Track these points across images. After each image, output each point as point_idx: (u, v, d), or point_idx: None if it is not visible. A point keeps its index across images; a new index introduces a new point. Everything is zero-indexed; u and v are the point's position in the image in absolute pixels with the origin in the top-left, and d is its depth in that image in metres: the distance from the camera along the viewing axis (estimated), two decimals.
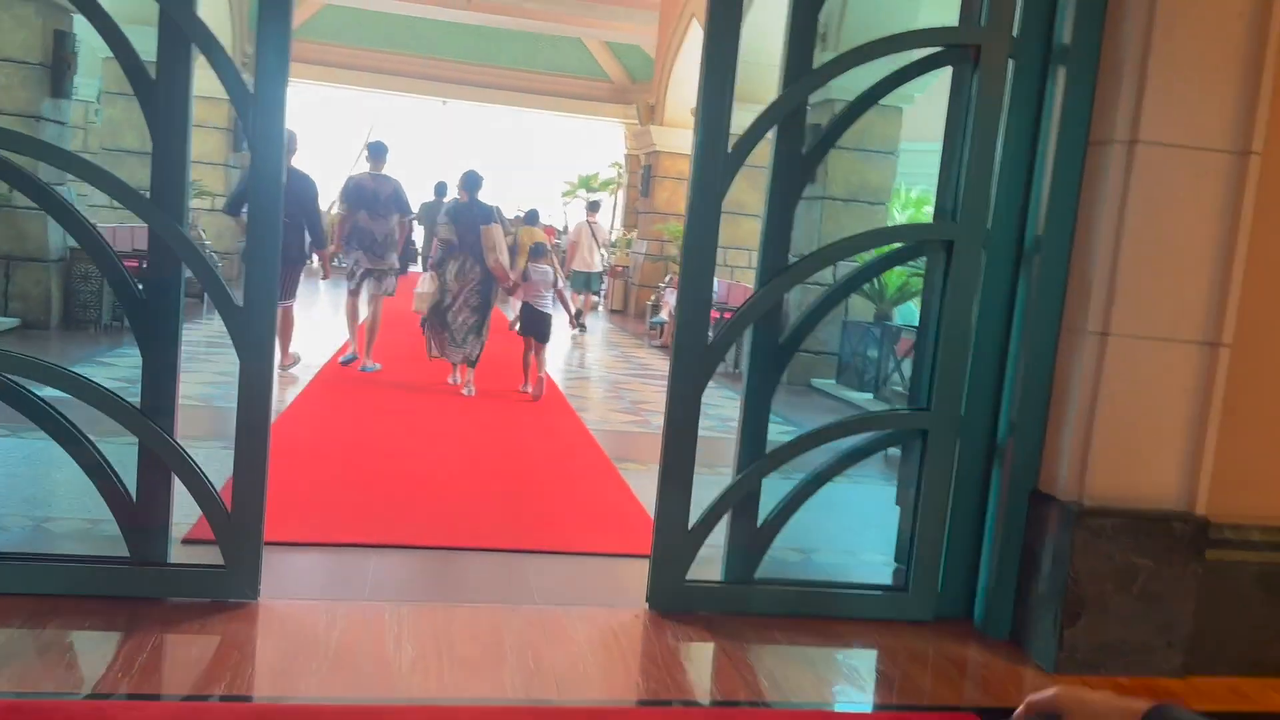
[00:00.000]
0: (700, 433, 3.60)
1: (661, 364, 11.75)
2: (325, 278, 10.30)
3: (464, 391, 8.14)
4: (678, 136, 17.40)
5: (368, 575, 3.91)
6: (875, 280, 10.05)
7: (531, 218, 14.24)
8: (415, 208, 18.75)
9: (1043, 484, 3.74)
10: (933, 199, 4.11)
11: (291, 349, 8.40)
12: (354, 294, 8.79)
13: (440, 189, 12.58)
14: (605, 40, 22.23)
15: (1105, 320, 3.49)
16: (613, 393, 9.25)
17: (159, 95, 3.34)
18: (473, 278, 8.13)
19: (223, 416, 6.58)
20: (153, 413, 3.48)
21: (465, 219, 8.17)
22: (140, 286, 3.51)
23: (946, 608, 3.93)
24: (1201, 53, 3.38)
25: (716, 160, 3.58)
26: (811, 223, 10.84)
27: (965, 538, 3.97)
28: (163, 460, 3.47)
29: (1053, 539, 3.61)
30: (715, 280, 13.80)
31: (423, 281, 8.63)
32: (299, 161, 8.17)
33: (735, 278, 14.60)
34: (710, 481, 3.89)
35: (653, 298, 15.31)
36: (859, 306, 10.59)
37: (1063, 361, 3.68)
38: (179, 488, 3.56)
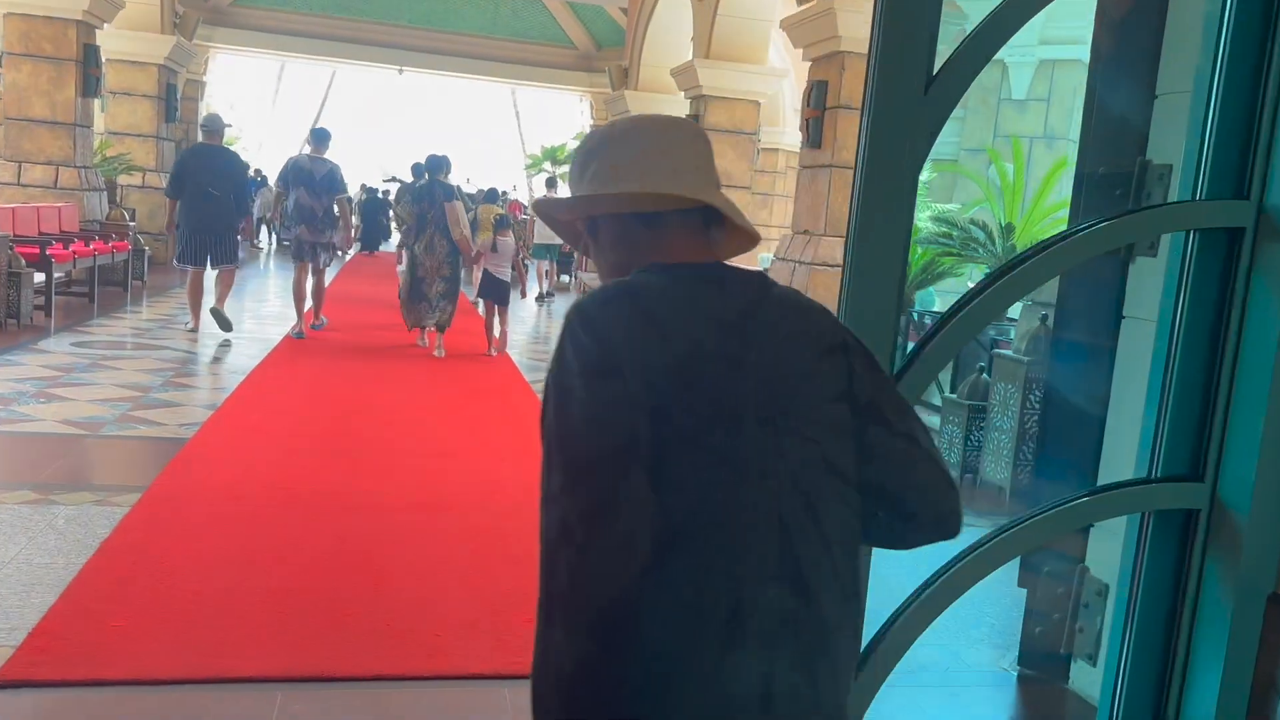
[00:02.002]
0: None
1: None
2: (247, 238, 11.33)
3: (435, 353, 8.76)
4: (654, 102, 16.00)
5: None
6: None
7: (491, 196, 13.56)
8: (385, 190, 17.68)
9: None
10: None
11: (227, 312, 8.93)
12: (301, 268, 9.14)
13: (418, 171, 11.81)
14: (569, 1, 20.72)
15: None
16: None
17: None
18: (441, 251, 8.82)
19: (116, 452, 5.19)
20: None
21: (429, 198, 8.88)
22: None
23: None
24: None
25: (905, 110, 2.07)
26: (818, 195, 9.53)
27: (1151, 650, 2.71)
28: None
29: None
30: None
31: (400, 259, 9.84)
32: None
33: None
34: None
35: None
36: None
37: None
38: None
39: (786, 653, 1.12)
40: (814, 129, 9.51)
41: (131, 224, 12.69)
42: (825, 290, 9.31)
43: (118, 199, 14.35)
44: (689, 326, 1.16)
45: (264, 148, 33.51)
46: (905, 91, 2.06)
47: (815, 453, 1.16)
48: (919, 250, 8.71)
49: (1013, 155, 7.46)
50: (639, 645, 1.07)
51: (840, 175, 9.32)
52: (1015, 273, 2.15)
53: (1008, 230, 7.24)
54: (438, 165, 8.99)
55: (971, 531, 5.50)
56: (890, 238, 2.09)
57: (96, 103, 13.62)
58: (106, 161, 14.06)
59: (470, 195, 15.12)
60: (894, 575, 2.34)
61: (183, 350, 8.08)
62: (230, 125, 16.66)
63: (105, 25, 12.65)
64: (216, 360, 8.02)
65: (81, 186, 12.18)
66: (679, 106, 15.22)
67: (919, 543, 1.30)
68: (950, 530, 1.30)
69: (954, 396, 6.11)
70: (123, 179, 14.77)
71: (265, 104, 34.25)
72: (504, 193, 18.64)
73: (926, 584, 2.38)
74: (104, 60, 14.00)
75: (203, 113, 21.51)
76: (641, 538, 1.06)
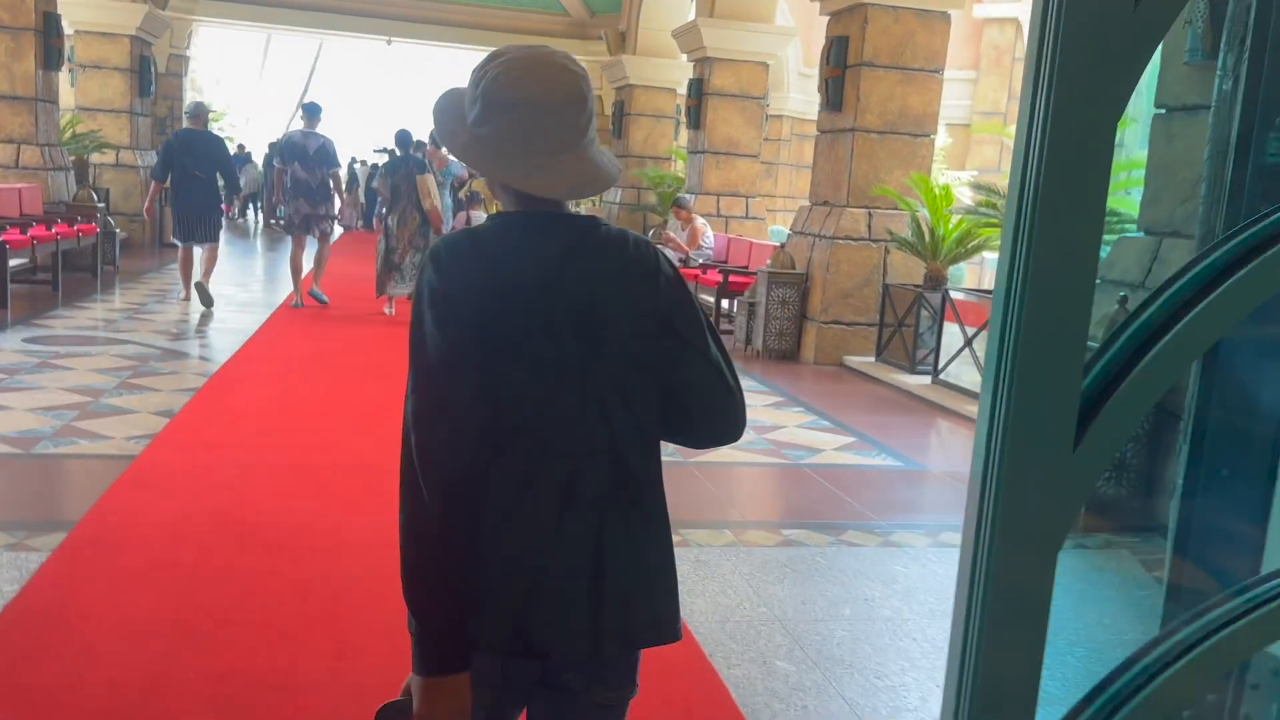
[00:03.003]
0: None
1: None
2: (227, 212, 11.21)
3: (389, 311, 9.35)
4: (655, 67, 15.20)
5: None
6: (927, 232, 8.00)
7: None
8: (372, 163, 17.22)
9: None
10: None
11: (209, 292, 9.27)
12: (298, 242, 9.55)
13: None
14: None
15: None
16: None
17: None
18: (413, 223, 9.19)
19: (46, 476, 4.47)
20: None
21: (400, 171, 9.18)
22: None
23: None
24: None
25: (1110, 30, 1.29)
26: (838, 162, 8.76)
27: None
28: None
29: None
30: (710, 234, 11.66)
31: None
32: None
33: (730, 230, 12.51)
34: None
35: None
36: (900, 265, 8.56)
37: None
38: None
39: (610, 509, 1.43)
40: (833, 89, 8.73)
41: (100, 205, 11.87)
42: (850, 265, 8.57)
43: (90, 179, 13.54)
44: (516, 261, 1.42)
45: (251, 122, 32.62)
46: (1109, 5, 1.31)
47: (628, 356, 1.44)
48: (952, 220, 7.96)
49: None
50: (484, 508, 1.39)
51: (863, 140, 8.55)
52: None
53: None
54: (406, 140, 9.40)
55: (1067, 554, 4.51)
56: (1087, 200, 1.34)
57: (64, 76, 12.80)
58: (76, 139, 13.24)
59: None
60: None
61: (146, 344, 7.34)
62: (213, 110, 15.93)
63: None
64: (183, 355, 7.28)
65: (45, 165, 11.39)
66: (681, 70, 14.42)
67: (703, 440, 1.53)
68: (723, 432, 1.52)
69: None
70: (95, 157, 13.96)
71: (252, 78, 33.38)
72: None
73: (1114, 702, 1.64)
74: (70, 31, 13.17)
75: (187, 89, 20.71)
76: (469, 426, 1.37)
